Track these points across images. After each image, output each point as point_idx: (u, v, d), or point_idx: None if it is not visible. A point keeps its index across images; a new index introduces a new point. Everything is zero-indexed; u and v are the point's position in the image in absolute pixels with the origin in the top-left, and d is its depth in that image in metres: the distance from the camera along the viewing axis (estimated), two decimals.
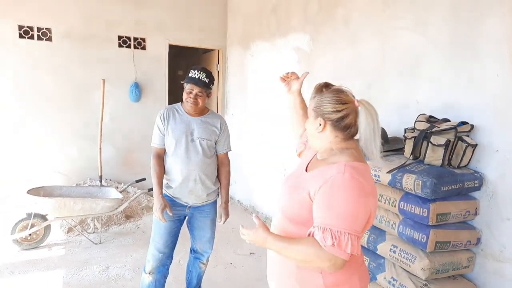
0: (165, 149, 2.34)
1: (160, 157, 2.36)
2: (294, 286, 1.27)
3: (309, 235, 1.17)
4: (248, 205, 4.99)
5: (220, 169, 2.48)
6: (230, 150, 2.50)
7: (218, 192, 2.50)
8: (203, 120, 2.35)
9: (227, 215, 2.43)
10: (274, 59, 4.36)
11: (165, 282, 2.45)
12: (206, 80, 2.28)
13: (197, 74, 2.27)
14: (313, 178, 1.25)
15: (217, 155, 2.44)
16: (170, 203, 2.30)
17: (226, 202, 2.45)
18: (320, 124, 1.27)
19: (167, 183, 2.35)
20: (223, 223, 2.44)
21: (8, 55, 4.22)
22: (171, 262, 2.45)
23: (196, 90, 2.26)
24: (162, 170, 2.33)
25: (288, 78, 1.74)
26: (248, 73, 4.97)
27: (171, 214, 2.24)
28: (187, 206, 2.36)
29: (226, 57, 5.53)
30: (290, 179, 1.38)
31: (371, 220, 1.22)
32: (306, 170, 1.36)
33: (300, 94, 1.75)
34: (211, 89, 2.36)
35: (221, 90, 5.64)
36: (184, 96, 2.30)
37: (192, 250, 2.58)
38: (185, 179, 2.28)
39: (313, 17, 3.67)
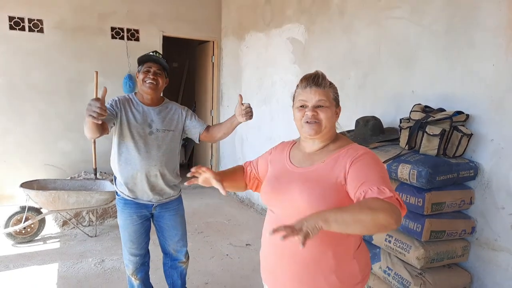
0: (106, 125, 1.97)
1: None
2: (334, 284, 1.21)
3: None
4: (244, 197, 4.98)
5: (216, 129, 2.20)
6: (206, 124, 2.24)
7: (180, 188, 2.29)
8: (161, 110, 2.14)
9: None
10: (269, 50, 4.32)
11: (149, 276, 2.35)
12: (163, 60, 2.09)
13: (152, 53, 2.10)
14: (330, 165, 1.23)
15: (200, 137, 2.21)
16: (134, 206, 2.11)
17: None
18: (337, 114, 1.31)
19: (123, 182, 2.10)
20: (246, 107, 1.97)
21: None
22: (149, 257, 2.32)
23: (154, 67, 2.05)
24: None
25: (199, 172, 1.32)
26: (242, 64, 4.93)
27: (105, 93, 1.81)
28: (152, 205, 2.16)
29: (221, 48, 5.48)
30: (296, 177, 1.27)
31: None
32: (292, 165, 1.33)
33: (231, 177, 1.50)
34: (168, 73, 2.15)
35: (216, 82, 5.60)
36: (141, 77, 2.05)
37: (166, 254, 2.36)
38: (145, 175, 2.07)
39: (308, 7, 3.64)
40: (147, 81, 2.04)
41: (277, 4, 4.14)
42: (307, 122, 1.25)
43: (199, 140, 2.24)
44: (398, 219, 1.00)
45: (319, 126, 1.24)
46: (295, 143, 1.44)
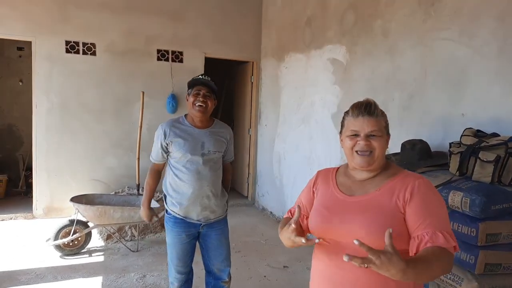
0: (164, 164, 2.26)
1: (158, 172, 2.29)
2: None
3: (419, 244, 1.10)
4: (281, 216, 4.95)
5: (224, 176, 2.35)
6: (233, 158, 2.43)
7: (227, 207, 2.39)
8: (212, 132, 2.21)
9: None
10: (308, 71, 4.35)
11: None
12: (212, 82, 2.17)
13: (201, 77, 2.18)
14: (386, 193, 1.22)
15: (224, 165, 2.34)
16: (184, 225, 2.18)
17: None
18: (387, 141, 1.29)
19: (174, 201, 2.18)
20: None
21: (55, 69, 4.48)
22: (193, 275, 2.38)
23: (204, 90, 2.13)
24: (156, 184, 2.32)
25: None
26: (281, 84, 4.99)
27: (157, 218, 2.19)
28: (200, 224, 2.22)
29: (260, 68, 5.57)
30: (351, 207, 1.24)
31: None
32: (345, 194, 1.30)
33: None
34: (216, 95, 2.24)
35: (255, 101, 5.69)
36: (191, 100, 2.13)
37: (209, 273, 2.39)
38: (198, 196, 2.14)
39: (349, 29, 3.64)
40: (197, 104, 2.12)
41: (317, 26, 4.18)
42: (358, 153, 1.24)
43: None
44: (451, 267, 1.09)
45: (372, 158, 1.23)
46: (337, 169, 1.41)
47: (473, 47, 2.41)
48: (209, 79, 2.18)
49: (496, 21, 2.27)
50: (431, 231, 1.10)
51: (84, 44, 4.59)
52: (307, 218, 1.38)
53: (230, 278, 2.40)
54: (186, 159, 2.14)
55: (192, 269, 2.37)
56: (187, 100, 2.19)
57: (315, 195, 1.40)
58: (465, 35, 2.46)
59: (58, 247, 3.52)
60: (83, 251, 3.64)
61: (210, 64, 5.47)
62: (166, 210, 2.26)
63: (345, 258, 0.91)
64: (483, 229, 1.90)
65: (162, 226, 4.36)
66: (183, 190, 2.15)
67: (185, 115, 2.26)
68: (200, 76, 2.19)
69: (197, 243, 2.34)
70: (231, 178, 2.45)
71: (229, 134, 2.32)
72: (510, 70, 2.19)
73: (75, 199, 3.58)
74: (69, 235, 3.51)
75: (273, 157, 5.15)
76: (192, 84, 2.18)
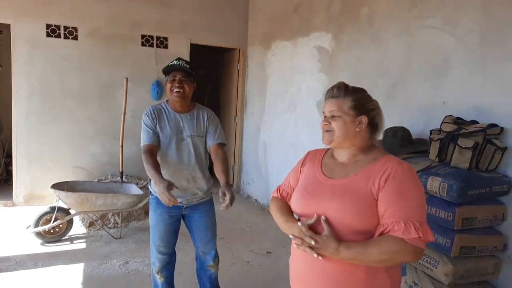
0: (157, 146, 2.16)
1: (152, 152, 2.12)
2: None
3: (383, 232, 1.15)
4: (266, 203, 4.97)
5: (215, 160, 2.24)
6: (224, 143, 2.29)
7: (211, 191, 2.35)
8: (192, 116, 2.22)
9: (231, 193, 1.96)
10: (295, 58, 4.33)
11: (173, 276, 2.41)
12: (187, 66, 2.15)
13: (176, 61, 2.16)
14: (364, 178, 1.23)
15: (210, 149, 2.26)
16: (164, 205, 1.97)
17: (227, 183, 2.09)
18: (359, 123, 1.29)
19: None
20: (226, 205, 1.92)
21: (36, 53, 4.35)
22: (175, 258, 2.39)
23: (179, 75, 2.12)
24: (155, 161, 2.08)
25: None
26: (268, 72, 4.96)
27: (178, 190, 1.93)
28: (183, 206, 2.23)
29: (247, 56, 5.54)
30: (329, 190, 1.27)
31: None
32: (327, 177, 1.32)
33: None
34: (194, 77, 2.21)
35: (241, 89, 5.66)
36: (168, 87, 2.15)
37: (197, 258, 2.44)
38: (177, 179, 2.11)
39: (336, 16, 3.63)
40: (174, 90, 2.13)
41: (304, 13, 4.16)
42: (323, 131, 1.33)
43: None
44: (417, 258, 1.14)
45: (330, 135, 1.30)
46: (327, 150, 1.45)
47: (457, 35, 2.43)
48: (184, 63, 2.16)
49: (479, 9, 2.30)
50: (394, 221, 1.13)
51: (65, 28, 4.46)
52: (290, 193, 1.47)
53: (216, 262, 2.40)
54: (166, 143, 2.16)
55: (174, 252, 2.38)
56: (166, 87, 2.20)
57: (300, 175, 1.44)
58: (449, 23, 2.48)
59: (38, 234, 3.47)
60: (64, 238, 3.60)
61: (196, 51, 5.40)
62: (150, 192, 2.29)
63: (295, 245, 1.21)
64: (460, 214, 1.95)
65: (146, 213, 4.34)
66: (163, 172, 2.12)
67: (167, 101, 2.27)
68: (174, 62, 2.16)
69: (185, 226, 2.36)
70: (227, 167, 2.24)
71: (209, 115, 2.27)
72: (491, 60, 2.22)
73: (56, 186, 3.52)
74: (50, 222, 3.46)
75: (259, 145, 5.16)
76: (167, 70, 2.17)
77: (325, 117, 1.33)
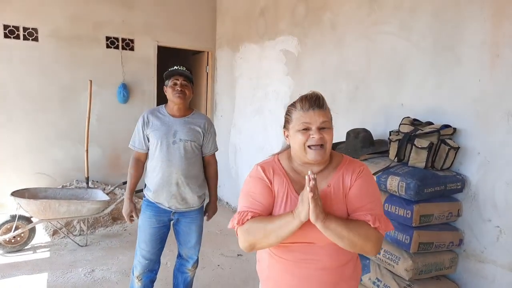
0: (146, 153, 2.32)
1: (139, 160, 2.34)
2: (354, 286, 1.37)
3: None
4: (237, 206, 4.98)
5: (207, 170, 2.42)
6: (217, 150, 2.43)
7: (204, 199, 2.42)
8: (186, 121, 2.27)
9: (213, 210, 2.45)
10: (263, 61, 4.38)
11: (153, 286, 2.41)
12: (188, 72, 2.26)
13: (177, 67, 2.25)
14: (335, 187, 1.29)
15: (203, 157, 2.39)
16: (154, 209, 2.25)
17: (214, 200, 2.45)
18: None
19: (147, 185, 2.29)
20: (208, 219, 2.46)
21: None
22: (159, 267, 2.40)
23: (181, 79, 2.23)
24: (138, 174, 2.33)
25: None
26: (237, 75, 4.98)
27: (137, 218, 2.28)
28: (171, 211, 2.28)
29: (216, 59, 5.53)
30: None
31: None
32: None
33: None
34: (193, 84, 2.33)
35: (210, 91, 5.64)
36: (169, 91, 2.23)
37: (179, 256, 2.50)
38: (166, 183, 2.20)
39: (301, 20, 3.70)
40: (175, 94, 2.21)
41: (270, 17, 4.21)
42: (311, 148, 1.22)
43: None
44: (379, 246, 1.23)
45: (324, 151, 1.24)
46: (279, 162, 1.35)
47: (411, 40, 2.54)
48: (185, 68, 2.26)
49: (431, 15, 2.41)
50: (363, 213, 1.23)
51: (25, 29, 4.29)
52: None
53: (195, 267, 2.48)
54: (158, 145, 2.21)
55: (159, 261, 2.37)
56: (166, 92, 2.27)
57: (274, 194, 1.29)
58: (404, 29, 2.59)
59: None
60: (26, 247, 3.46)
61: (164, 53, 5.34)
62: (144, 195, 2.35)
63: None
64: (417, 211, 2.04)
65: (113, 219, 4.25)
66: (153, 174, 2.23)
67: (165, 105, 2.33)
68: (175, 66, 2.25)
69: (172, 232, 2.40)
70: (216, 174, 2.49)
71: (206, 124, 2.33)
72: (443, 63, 2.34)
73: (17, 193, 3.38)
74: (11, 231, 3.32)
75: (229, 148, 5.16)
76: (169, 75, 2.25)
77: (306, 129, 1.23)
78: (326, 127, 1.24)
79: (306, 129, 1.23)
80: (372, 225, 1.20)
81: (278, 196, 1.28)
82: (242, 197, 1.33)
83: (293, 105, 1.30)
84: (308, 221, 1.14)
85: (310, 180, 1.08)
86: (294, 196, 1.26)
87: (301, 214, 1.13)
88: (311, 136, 1.22)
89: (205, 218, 2.45)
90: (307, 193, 1.09)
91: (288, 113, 1.31)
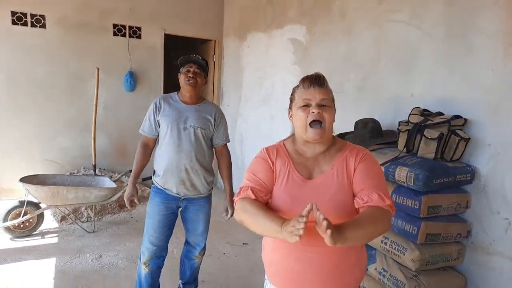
0: (155, 139, 2.33)
1: (147, 146, 2.35)
2: (358, 277, 1.36)
3: (362, 206, 1.24)
4: None
5: (220, 161, 2.42)
6: (229, 141, 2.42)
7: (212, 187, 2.42)
8: (197, 109, 2.27)
9: (233, 209, 2.35)
10: (270, 50, 4.34)
11: (160, 272, 2.43)
12: (202, 61, 2.29)
13: (192, 55, 2.29)
14: (339, 169, 1.30)
15: (215, 148, 2.39)
16: (163, 195, 2.27)
17: (231, 195, 2.37)
18: (334, 114, 1.34)
19: (156, 171, 2.30)
20: (229, 218, 2.36)
21: (0, 42, 4.16)
22: (166, 254, 2.41)
23: (194, 67, 2.25)
24: (144, 159, 2.34)
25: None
26: (244, 64, 4.95)
27: (139, 204, 2.33)
28: (180, 198, 2.28)
29: (223, 47, 5.49)
30: (314, 192, 1.26)
31: None
32: (308, 177, 1.32)
33: None
34: (207, 73, 2.35)
35: (217, 81, 5.62)
36: (182, 78, 2.24)
37: (186, 242, 2.51)
38: (176, 168, 2.21)
39: (309, 9, 3.65)
40: (188, 82, 2.22)
41: (278, 5, 4.15)
42: (310, 126, 1.26)
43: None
44: (390, 225, 1.23)
45: (323, 130, 1.26)
46: (284, 145, 1.39)
47: (423, 29, 2.50)
48: (200, 57, 2.28)
49: (444, 3, 2.36)
50: (369, 193, 1.23)
51: (32, 15, 4.28)
52: (266, 194, 1.34)
53: (202, 254, 2.50)
54: (168, 131, 2.22)
55: (166, 248, 2.39)
56: (179, 78, 2.29)
57: (275, 174, 1.34)
58: (416, 17, 2.55)
59: (7, 229, 3.37)
60: (35, 233, 3.51)
61: (171, 41, 5.31)
62: (152, 182, 2.35)
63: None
64: (426, 202, 2.02)
65: (120, 207, 4.29)
66: (162, 159, 2.24)
67: (178, 92, 2.34)
68: (191, 55, 2.29)
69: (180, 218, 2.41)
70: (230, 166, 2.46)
71: (216, 113, 2.33)
72: (455, 53, 2.30)
73: (25, 180, 3.41)
74: (20, 216, 3.36)
75: (235, 137, 5.15)
76: (183, 62, 2.28)
77: (307, 105, 1.26)
78: (326, 104, 1.27)
79: (307, 106, 1.27)
80: (384, 203, 1.20)
81: (280, 176, 1.33)
82: (246, 174, 1.40)
83: (297, 86, 1.36)
84: (298, 207, 1.14)
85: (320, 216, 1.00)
86: (296, 175, 1.31)
87: (288, 236, 1.05)
88: (310, 112, 1.26)
89: (224, 215, 2.37)
90: (303, 219, 1.01)
91: (292, 94, 1.38)
